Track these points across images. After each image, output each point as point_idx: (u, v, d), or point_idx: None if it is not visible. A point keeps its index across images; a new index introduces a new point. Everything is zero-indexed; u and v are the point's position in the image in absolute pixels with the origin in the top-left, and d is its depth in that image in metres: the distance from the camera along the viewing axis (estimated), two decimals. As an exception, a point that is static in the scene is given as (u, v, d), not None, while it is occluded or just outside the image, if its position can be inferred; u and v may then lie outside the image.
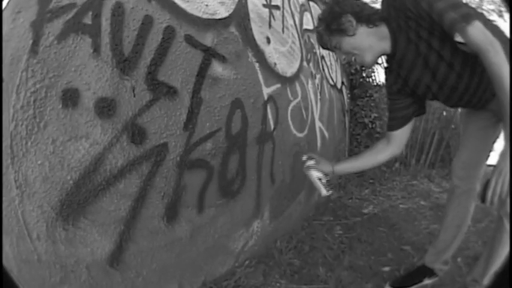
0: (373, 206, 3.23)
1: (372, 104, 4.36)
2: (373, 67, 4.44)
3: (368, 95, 4.38)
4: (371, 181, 3.96)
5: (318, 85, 3.51)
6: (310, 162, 1.76)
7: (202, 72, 1.83)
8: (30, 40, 1.17)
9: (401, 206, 3.29)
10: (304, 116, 3.16)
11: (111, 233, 1.43)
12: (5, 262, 1.33)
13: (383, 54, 1.57)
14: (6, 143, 1.16)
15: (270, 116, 2.52)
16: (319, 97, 3.54)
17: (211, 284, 1.98)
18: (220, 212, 2.06)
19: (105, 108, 1.35)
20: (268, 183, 2.56)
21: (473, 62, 1.37)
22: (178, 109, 1.71)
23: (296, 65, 3.03)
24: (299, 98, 3.04)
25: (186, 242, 1.83)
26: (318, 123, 3.53)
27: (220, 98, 2.01)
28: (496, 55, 1.20)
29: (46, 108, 1.21)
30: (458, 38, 1.28)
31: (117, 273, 1.49)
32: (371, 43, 1.47)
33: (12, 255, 1.27)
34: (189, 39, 1.73)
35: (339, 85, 4.15)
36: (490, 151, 1.77)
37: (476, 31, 1.24)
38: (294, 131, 2.97)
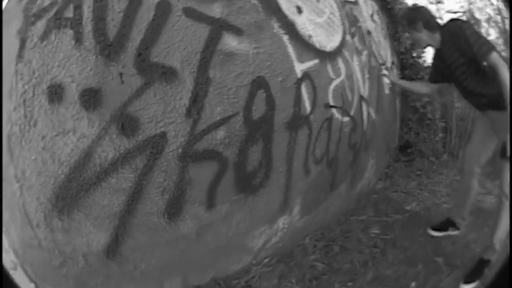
0: (417, 202, 2.64)
1: None
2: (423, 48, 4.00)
3: (419, 77, 3.61)
4: (418, 172, 3.28)
5: (365, 62, 2.64)
6: None
7: (209, 48, 1.39)
8: (17, 46, 1.12)
9: (444, 205, 2.63)
10: (350, 97, 2.38)
11: (106, 227, 1.25)
12: (11, 245, 1.36)
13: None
14: (5, 142, 1.16)
15: (305, 96, 1.90)
16: (366, 76, 2.65)
17: (220, 280, 1.64)
18: (237, 209, 1.65)
19: (91, 99, 1.15)
20: (300, 174, 2.00)
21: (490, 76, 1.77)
22: (178, 93, 1.33)
23: (337, 39, 2.27)
24: (343, 76, 2.27)
25: (191, 239, 1.50)
26: (365, 106, 2.69)
27: (237, 77, 1.52)
28: (504, 72, 1.63)
29: (34, 107, 1.15)
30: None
31: (114, 264, 1.31)
32: (428, 41, 1.97)
33: (17, 239, 1.27)
34: (190, 12, 1.32)
35: (388, 64, 3.28)
36: None
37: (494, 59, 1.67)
38: (337, 115, 2.24)
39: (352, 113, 2.47)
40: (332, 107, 2.20)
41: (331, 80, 2.18)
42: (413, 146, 3.47)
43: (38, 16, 1.13)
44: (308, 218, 2.20)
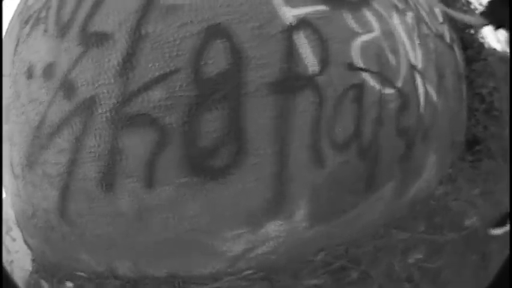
0: (478, 216, 1.97)
1: (489, 70, 3.17)
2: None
3: (482, 57, 3.09)
4: (485, 177, 2.62)
5: (412, 26, 1.66)
6: None
7: (149, 4, 1.11)
8: (15, 44, 1.38)
9: None
10: (393, 61, 1.41)
11: (56, 185, 1.18)
12: (9, 197, 1.35)
13: None
14: (4, 111, 1.36)
15: (304, 50, 1.16)
16: (417, 42, 1.64)
17: (179, 279, 1.26)
18: (188, 196, 1.12)
19: (48, 72, 1.24)
20: (305, 163, 1.18)
21: None
22: (110, 54, 1.10)
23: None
24: (376, 32, 1.38)
25: (132, 220, 1.14)
26: (420, 79, 1.58)
27: (180, 28, 1.07)
28: None
29: (19, 84, 1.31)
30: None
31: (66, 224, 1.20)
32: None
33: (11, 190, 1.35)
34: None
35: (447, 39, 2.31)
36: None
37: None
38: (372, 82, 1.32)
39: (399, 85, 1.40)
40: (361, 69, 1.27)
41: (354, 34, 1.27)
42: (482, 142, 2.72)
43: (27, 21, 1.34)
44: (324, 227, 1.27)
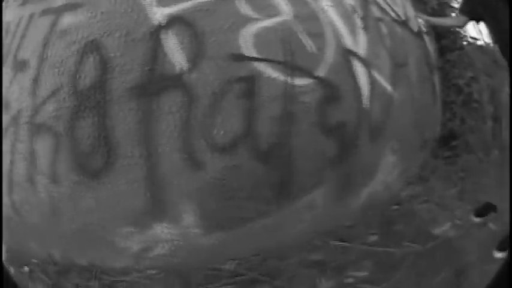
0: (452, 223, 1.50)
1: (466, 60, 2.50)
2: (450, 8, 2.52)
3: (458, 46, 2.49)
4: (462, 174, 1.90)
5: (351, 7, 1.42)
6: None
7: (52, 31, 1.29)
8: None
9: (490, 224, 1.58)
10: (312, 47, 1.22)
11: (6, 180, 1.47)
12: None
13: None
14: None
15: (170, 48, 1.13)
16: (360, 26, 1.39)
17: (98, 268, 1.39)
18: (82, 193, 1.26)
19: None
20: (182, 167, 1.15)
21: None
22: (26, 78, 1.35)
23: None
24: (285, 16, 1.21)
25: (50, 212, 1.33)
26: (361, 67, 1.30)
27: (66, 48, 1.21)
28: None
29: None
30: None
31: (16, 214, 1.47)
32: None
33: None
34: (44, 11, 1.38)
35: (414, 27, 1.85)
36: None
37: None
38: (272, 73, 1.16)
39: (321, 74, 1.19)
40: (254, 59, 1.13)
41: (248, 20, 1.16)
42: (459, 137, 2.49)
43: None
44: (224, 235, 1.23)
